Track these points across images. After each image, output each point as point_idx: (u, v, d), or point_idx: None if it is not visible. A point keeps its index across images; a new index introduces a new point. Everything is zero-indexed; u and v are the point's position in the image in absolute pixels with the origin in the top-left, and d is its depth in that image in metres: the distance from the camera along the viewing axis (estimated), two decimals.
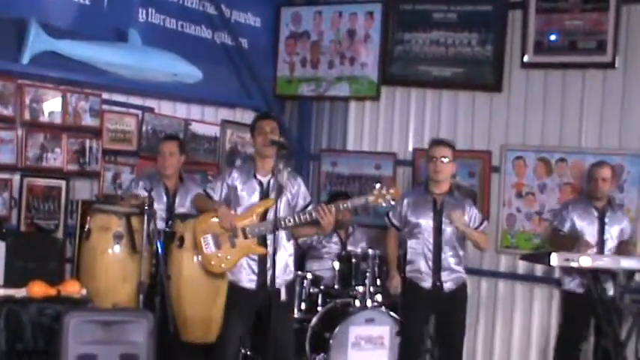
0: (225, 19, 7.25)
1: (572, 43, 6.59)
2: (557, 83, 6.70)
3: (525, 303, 6.79)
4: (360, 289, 6.05)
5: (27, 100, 5.86)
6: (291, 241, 5.28)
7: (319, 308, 6.06)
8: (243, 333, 5.26)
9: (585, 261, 5.37)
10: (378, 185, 5.16)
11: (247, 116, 7.45)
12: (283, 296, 5.11)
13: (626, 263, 5.45)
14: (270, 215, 4.97)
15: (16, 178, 5.85)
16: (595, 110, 6.56)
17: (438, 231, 5.63)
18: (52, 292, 4.83)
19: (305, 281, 6.10)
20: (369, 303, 6.00)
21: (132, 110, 6.64)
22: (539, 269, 6.66)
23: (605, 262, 5.49)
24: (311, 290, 6.12)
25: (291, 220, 5.03)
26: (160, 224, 5.62)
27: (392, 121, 7.43)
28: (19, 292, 4.73)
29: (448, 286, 5.64)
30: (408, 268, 5.75)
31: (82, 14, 6.11)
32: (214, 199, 5.25)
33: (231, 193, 5.21)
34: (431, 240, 5.63)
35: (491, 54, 6.90)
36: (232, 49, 7.39)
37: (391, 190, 5.13)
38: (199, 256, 5.19)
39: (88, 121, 6.22)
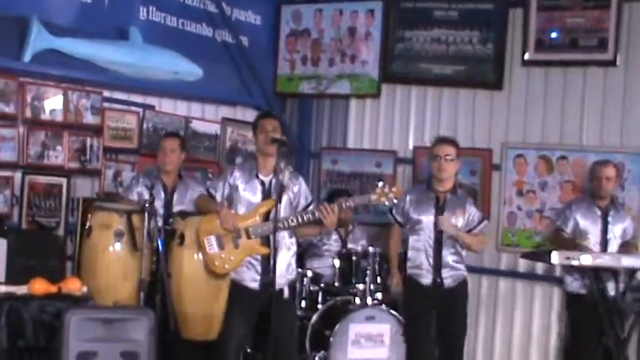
0: (225, 17, 7.24)
1: (573, 41, 6.59)
2: (558, 81, 6.70)
3: (526, 301, 6.79)
4: (361, 286, 6.05)
5: (28, 98, 5.86)
6: (293, 239, 5.28)
7: (319, 306, 6.06)
8: (244, 331, 5.25)
9: (586, 259, 5.37)
10: (380, 184, 5.16)
11: (248, 114, 7.46)
12: (286, 295, 5.11)
13: (628, 262, 5.45)
14: (273, 215, 4.96)
15: (18, 175, 5.85)
16: (596, 108, 6.56)
17: (438, 228, 5.63)
18: (53, 289, 4.84)
19: (305, 279, 6.09)
20: (369, 301, 6.00)
21: (133, 108, 6.65)
22: (540, 267, 6.66)
23: (606, 260, 5.48)
24: (311, 288, 6.11)
25: (294, 220, 5.03)
26: (159, 221, 5.63)
27: (392, 119, 7.43)
28: (21, 290, 4.74)
29: (448, 283, 5.65)
30: (408, 264, 5.77)
31: (84, 12, 6.11)
32: (216, 199, 5.25)
33: (233, 193, 5.21)
34: (432, 237, 5.64)
35: (492, 52, 6.89)
36: (233, 46, 7.39)
37: (394, 189, 5.13)
38: (203, 257, 5.18)
39: (89, 118, 6.23)
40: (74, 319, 4.31)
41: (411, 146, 7.30)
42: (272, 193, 5.10)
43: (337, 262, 6.22)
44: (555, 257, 5.41)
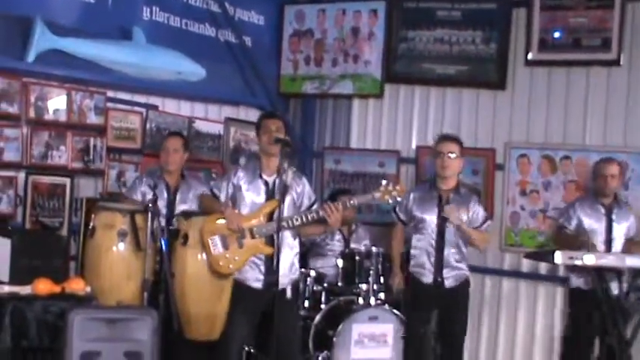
0: (228, 17, 7.25)
1: (576, 41, 6.59)
2: (562, 81, 6.70)
3: (529, 301, 6.79)
4: (364, 286, 6.05)
5: (32, 98, 5.87)
6: (297, 240, 5.28)
7: (323, 306, 6.07)
8: (247, 331, 5.26)
9: (589, 259, 5.36)
10: (384, 182, 5.17)
11: (251, 114, 7.47)
12: (289, 294, 5.12)
13: (631, 262, 5.43)
14: (277, 215, 4.97)
15: (21, 175, 5.86)
16: (599, 108, 6.56)
17: (441, 227, 5.63)
18: (57, 289, 4.83)
19: (308, 279, 6.10)
20: (372, 301, 6.00)
21: (136, 108, 6.66)
22: (543, 267, 6.66)
23: (609, 260, 5.47)
24: (314, 288, 6.12)
25: (298, 220, 5.03)
26: (161, 221, 5.64)
27: (395, 118, 7.44)
28: (24, 290, 4.74)
29: (449, 282, 5.65)
30: (411, 262, 5.77)
31: (87, 12, 6.12)
32: (220, 200, 5.25)
33: (237, 193, 5.22)
34: (434, 236, 5.64)
35: (495, 52, 6.89)
36: (236, 47, 7.39)
37: (397, 187, 5.14)
38: (207, 257, 5.18)
39: (92, 119, 6.24)
40: (78, 319, 4.30)
41: (414, 146, 7.30)
42: (276, 193, 5.10)
43: (340, 262, 6.22)
44: (559, 257, 5.39)
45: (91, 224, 5.44)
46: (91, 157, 6.24)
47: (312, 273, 6.14)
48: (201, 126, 7.14)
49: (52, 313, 4.65)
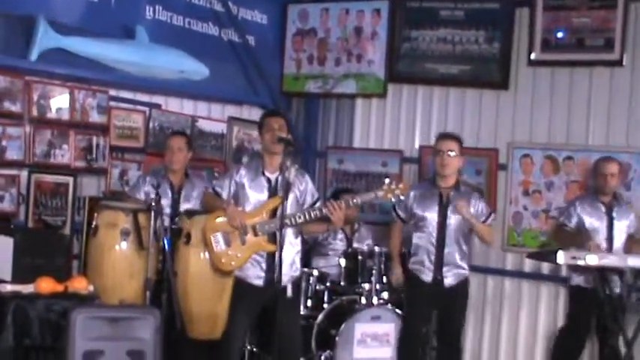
0: (232, 16, 7.25)
1: (579, 41, 6.58)
2: (565, 81, 6.69)
3: (532, 301, 6.79)
4: (366, 286, 6.05)
5: (35, 97, 5.88)
6: (299, 238, 5.28)
7: (325, 305, 6.06)
8: (248, 329, 5.25)
9: (592, 259, 5.36)
10: (387, 180, 5.17)
11: (254, 113, 7.46)
12: (289, 292, 5.11)
13: (634, 262, 5.44)
14: (280, 212, 4.97)
15: (24, 174, 5.86)
16: (602, 108, 6.55)
17: (442, 225, 5.63)
18: (60, 288, 4.84)
19: (311, 278, 6.10)
20: (375, 300, 6.00)
21: (139, 107, 6.67)
22: (545, 267, 6.66)
23: (612, 260, 5.47)
24: (317, 287, 6.12)
25: (301, 217, 5.03)
26: (165, 220, 5.64)
27: (398, 118, 7.43)
28: (27, 288, 4.74)
29: (448, 281, 5.64)
30: (411, 260, 5.76)
31: (90, 11, 6.12)
32: (222, 197, 5.25)
33: (239, 190, 5.21)
34: (435, 234, 5.63)
35: (498, 51, 6.89)
36: (239, 46, 7.39)
37: (400, 185, 5.14)
38: (209, 255, 5.19)
39: (95, 117, 6.24)
40: (80, 318, 4.30)
41: (417, 146, 7.30)
42: (278, 191, 5.10)
43: (343, 262, 6.22)
44: (561, 257, 5.40)
45: (94, 223, 5.46)
46: (94, 155, 6.24)
47: (315, 272, 6.14)
48: (204, 125, 7.15)
49: (55, 311, 4.66)
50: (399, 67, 7.32)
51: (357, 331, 5.87)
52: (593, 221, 5.95)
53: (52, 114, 5.99)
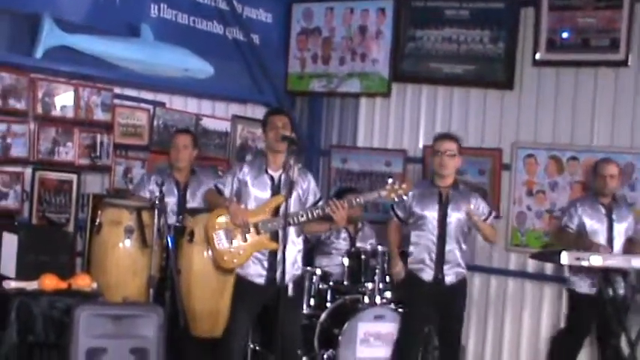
0: (236, 14, 7.25)
1: (584, 41, 6.57)
2: (570, 81, 6.68)
3: (535, 301, 6.78)
4: (370, 285, 6.05)
5: (39, 94, 5.89)
6: (301, 237, 5.28)
7: (328, 304, 6.06)
8: (249, 327, 5.24)
9: (596, 260, 5.36)
10: (390, 180, 5.17)
11: (258, 112, 7.47)
12: (290, 291, 5.10)
13: (638, 263, 5.44)
14: (282, 210, 4.97)
15: (28, 171, 5.88)
16: (607, 108, 6.54)
17: (442, 224, 5.62)
18: (63, 285, 4.85)
19: (314, 277, 6.10)
20: (378, 300, 6.00)
21: (143, 105, 6.67)
22: (549, 268, 6.64)
23: (616, 261, 5.49)
24: (320, 286, 6.12)
25: (304, 216, 5.03)
26: (172, 217, 5.65)
27: (402, 117, 7.43)
28: (31, 285, 4.76)
29: (449, 279, 5.63)
30: (410, 259, 5.74)
31: (95, 9, 6.14)
32: (225, 195, 5.25)
33: (242, 188, 5.21)
34: (435, 232, 5.62)
35: (503, 51, 6.88)
36: (244, 44, 7.40)
37: (403, 185, 5.14)
38: (211, 252, 5.19)
39: (99, 115, 6.25)
40: (84, 315, 4.31)
41: (421, 145, 7.29)
42: (281, 189, 5.10)
43: (346, 261, 6.22)
44: (565, 258, 5.41)
45: (98, 220, 5.46)
46: (98, 153, 6.25)
47: (318, 271, 6.14)
48: (208, 123, 7.15)
49: (58, 309, 4.68)
50: (404, 66, 7.31)
51: (360, 330, 5.87)
52: (594, 223, 5.94)
53: (56, 111, 6.00)
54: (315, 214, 5.05)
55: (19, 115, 5.78)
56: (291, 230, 5.10)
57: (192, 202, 5.85)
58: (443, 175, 5.66)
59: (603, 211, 5.96)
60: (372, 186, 7.15)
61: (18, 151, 5.76)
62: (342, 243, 6.63)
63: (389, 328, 5.91)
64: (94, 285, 5.01)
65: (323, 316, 5.96)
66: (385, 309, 5.97)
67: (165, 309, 4.78)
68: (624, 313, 5.58)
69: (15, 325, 4.54)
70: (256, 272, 5.12)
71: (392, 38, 7.33)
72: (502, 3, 6.89)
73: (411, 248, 5.72)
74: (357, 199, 5.22)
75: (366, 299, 6.03)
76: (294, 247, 5.17)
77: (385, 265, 6.06)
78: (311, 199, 5.25)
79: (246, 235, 5.09)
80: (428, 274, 5.62)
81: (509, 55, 6.84)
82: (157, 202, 5.17)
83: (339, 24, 7.58)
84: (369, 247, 6.34)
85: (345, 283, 6.20)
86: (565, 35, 6.62)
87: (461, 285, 5.73)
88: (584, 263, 5.39)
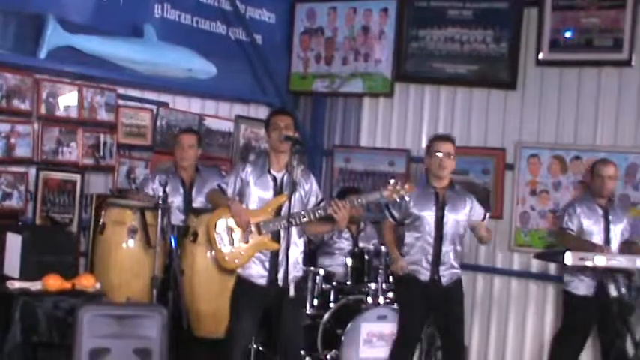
0: (239, 14, 7.26)
1: (587, 41, 6.56)
2: (573, 81, 6.67)
3: (538, 301, 6.77)
4: (373, 285, 6.05)
5: (43, 95, 5.90)
6: (302, 238, 5.27)
7: (331, 304, 6.06)
8: (252, 328, 5.24)
9: (600, 260, 5.36)
10: (392, 181, 5.16)
11: (261, 112, 7.48)
12: (292, 292, 5.08)
13: None
14: (284, 211, 4.97)
15: (32, 171, 5.89)
16: (610, 108, 6.53)
17: (439, 225, 5.61)
18: (67, 285, 4.86)
19: (317, 277, 6.09)
20: (381, 300, 6.00)
21: (147, 105, 6.69)
22: (552, 268, 6.64)
23: (620, 261, 5.48)
24: (323, 286, 6.11)
25: (306, 216, 5.02)
26: (179, 216, 5.67)
27: (405, 117, 7.43)
28: (35, 285, 4.77)
29: (445, 280, 5.62)
30: (406, 260, 5.71)
31: (99, 10, 6.14)
32: (228, 194, 5.25)
33: (244, 188, 5.20)
34: (432, 234, 5.60)
35: (506, 51, 6.87)
36: (247, 44, 7.40)
37: (406, 186, 5.12)
38: (213, 252, 5.20)
39: (103, 115, 6.27)
40: (87, 316, 4.32)
41: (424, 145, 7.24)
42: (284, 189, 5.10)
43: (349, 261, 6.22)
44: (569, 258, 5.41)
45: (101, 221, 5.48)
46: (102, 153, 6.26)
47: (321, 271, 6.13)
48: (211, 123, 7.16)
49: (62, 309, 4.70)
50: (407, 66, 7.31)
51: (364, 330, 5.87)
52: (591, 224, 5.93)
53: (60, 112, 6.01)
54: (317, 214, 5.04)
55: (23, 115, 5.79)
56: (293, 231, 5.09)
57: (199, 199, 5.86)
58: (441, 176, 5.65)
59: (600, 212, 5.95)
60: (375, 186, 7.14)
61: (22, 151, 5.77)
62: (345, 243, 6.63)
63: (392, 328, 5.89)
64: (98, 285, 5.03)
65: (326, 316, 5.96)
66: (388, 309, 5.96)
67: (169, 309, 4.79)
68: (629, 314, 5.57)
69: (19, 325, 4.55)
70: (258, 273, 5.09)
71: (395, 38, 7.33)
72: (505, 3, 6.88)
73: (405, 249, 5.70)
74: (359, 200, 5.22)
75: (369, 299, 6.03)
76: (296, 249, 5.15)
77: (388, 261, 6.03)
78: (312, 201, 5.22)
79: (248, 235, 5.08)
80: (424, 275, 5.61)
81: (512, 55, 6.84)
82: (160, 202, 5.18)
83: (342, 24, 7.58)
84: (372, 247, 6.34)
85: (348, 283, 6.20)
86: (568, 35, 6.62)
87: (457, 285, 5.72)
88: (588, 263, 5.39)
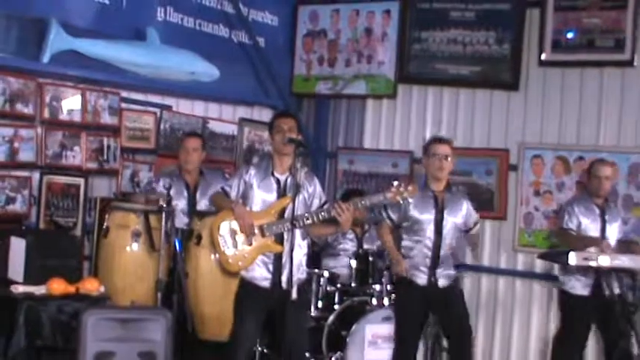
0: (242, 17, 7.26)
1: (590, 42, 6.56)
2: (575, 82, 6.68)
3: (543, 302, 6.77)
4: (377, 287, 6.04)
5: (47, 99, 5.91)
6: (306, 240, 5.27)
7: (336, 306, 6.05)
8: (255, 330, 5.24)
9: (604, 260, 5.36)
10: (395, 182, 5.16)
11: (265, 114, 7.48)
12: (294, 295, 5.06)
13: None
14: (288, 213, 4.97)
15: (36, 175, 5.89)
16: (613, 108, 6.53)
17: (439, 228, 5.61)
18: (71, 289, 4.87)
19: (322, 279, 6.09)
20: (385, 301, 5.99)
21: (150, 108, 6.69)
22: (557, 268, 6.62)
23: (624, 261, 5.48)
24: (328, 288, 6.10)
25: (309, 218, 5.02)
26: (183, 219, 5.67)
27: (409, 119, 7.43)
28: (39, 290, 4.78)
29: (442, 282, 5.61)
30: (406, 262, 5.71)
31: (102, 13, 6.15)
32: (231, 197, 5.25)
33: (248, 190, 5.20)
34: (432, 236, 5.60)
35: (508, 52, 6.88)
36: (250, 47, 7.41)
37: (409, 187, 5.12)
38: (217, 254, 5.20)
39: (106, 119, 6.27)
40: (92, 319, 4.32)
41: None
42: (287, 192, 5.09)
43: (354, 263, 6.22)
44: (573, 258, 5.41)
45: (105, 224, 5.49)
46: (105, 157, 6.27)
47: (326, 273, 6.13)
48: (214, 126, 7.17)
49: (66, 313, 4.70)
50: (410, 68, 7.31)
51: (368, 332, 5.86)
52: (588, 223, 5.94)
53: (63, 115, 6.02)
54: (320, 216, 5.04)
55: (26, 119, 5.80)
56: (297, 233, 5.08)
57: (203, 202, 5.87)
58: (440, 178, 5.66)
59: (597, 211, 5.96)
60: (378, 187, 7.13)
61: (25, 155, 5.77)
62: (349, 244, 6.63)
63: None
64: (102, 289, 5.03)
65: (331, 318, 5.96)
66: (393, 310, 5.95)
67: (173, 312, 4.79)
68: (633, 314, 5.56)
69: (23, 330, 4.56)
70: (261, 275, 5.07)
71: (397, 40, 7.34)
72: (507, 4, 6.89)
73: (403, 252, 5.69)
74: (363, 202, 5.22)
75: (374, 301, 6.02)
76: (299, 251, 5.14)
77: (388, 263, 6.03)
78: (316, 203, 5.21)
79: (252, 238, 5.08)
80: (422, 279, 5.60)
81: (514, 56, 6.84)
82: (164, 205, 5.18)
83: (345, 26, 7.59)
84: (376, 248, 6.34)
85: (353, 284, 6.19)
86: (570, 36, 6.62)
87: (454, 286, 5.73)
88: (592, 264, 5.39)
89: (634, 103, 6.45)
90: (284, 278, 4.91)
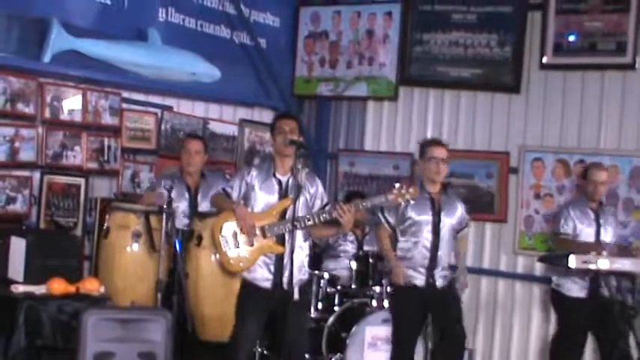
0: (244, 18, 7.27)
1: (591, 45, 6.56)
2: (576, 85, 6.68)
3: (543, 304, 6.77)
4: (377, 289, 6.04)
5: (48, 99, 5.91)
6: (308, 242, 5.26)
7: (336, 308, 6.06)
8: (256, 331, 5.24)
9: (604, 264, 5.36)
10: (397, 184, 5.16)
11: (265, 116, 7.48)
12: (296, 296, 5.06)
13: None
14: (289, 214, 4.96)
15: (36, 175, 5.89)
16: (614, 112, 6.54)
17: (436, 229, 5.62)
18: (71, 289, 4.87)
19: (322, 281, 6.09)
20: (385, 303, 5.99)
21: (151, 109, 6.69)
22: (551, 270, 6.62)
23: (624, 265, 5.47)
24: (328, 290, 6.10)
25: (310, 220, 5.02)
26: (184, 221, 5.66)
27: (410, 121, 7.43)
28: (39, 289, 4.77)
29: (440, 283, 5.62)
30: (404, 264, 5.70)
31: (103, 14, 6.15)
32: (232, 198, 5.25)
33: (249, 191, 5.20)
34: (429, 238, 5.61)
35: (510, 55, 6.88)
36: (251, 48, 7.41)
37: (410, 190, 5.12)
38: (218, 255, 5.20)
39: (107, 119, 6.27)
40: (92, 320, 4.32)
41: None
42: (289, 193, 5.09)
43: (354, 265, 6.22)
44: (573, 261, 5.40)
45: (106, 224, 5.48)
46: (106, 157, 6.27)
47: (326, 275, 6.13)
48: (215, 127, 7.17)
49: (67, 313, 4.69)
50: (411, 70, 7.31)
51: (368, 333, 5.86)
52: (584, 227, 5.96)
53: (64, 115, 6.02)
54: (321, 217, 5.04)
55: (27, 119, 5.80)
56: (299, 234, 5.08)
57: (204, 204, 5.86)
58: (437, 180, 5.67)
59: (592, 215, 5.97)
60: (379, 189, 7.14)
61: (26, 155, 5.77)
62: (350, 245, 6.64)
63: None
64: (102, 289, 5.03)
65: (331, 319, 5.96)
66: (390, 312, 5.95)
67: (174, 313, 4.79)
68: (633, 317, 5.56)
69: (23, 329, 4.55)
70: (263, 276, 5.08)
71: (399, 42, 7.34)
72: (509, 7, 6.89)
73: (401, 254, 5.69)
74: (364, 204, 5.22)
75: (374, 303, 6.02)
76: (301, 252, 5.14)
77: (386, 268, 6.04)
78: (318, 204, 5.21)
79: (253, 238, 5.07)
80: (420, 280, 5.61)
81: (516, 59, 6.84)
82: (165, 206, 5.18)
83: (347, 28, 7.59)
84: (376, 250, 6.33)
85: (353, 286, 6.19)
86: (572, 39, 6.62)
87: (451, 287, 5.74)
88: (592, 267, 5.39)
89: (635, 106, 6.45)
90: (285, 279, 4.90)
